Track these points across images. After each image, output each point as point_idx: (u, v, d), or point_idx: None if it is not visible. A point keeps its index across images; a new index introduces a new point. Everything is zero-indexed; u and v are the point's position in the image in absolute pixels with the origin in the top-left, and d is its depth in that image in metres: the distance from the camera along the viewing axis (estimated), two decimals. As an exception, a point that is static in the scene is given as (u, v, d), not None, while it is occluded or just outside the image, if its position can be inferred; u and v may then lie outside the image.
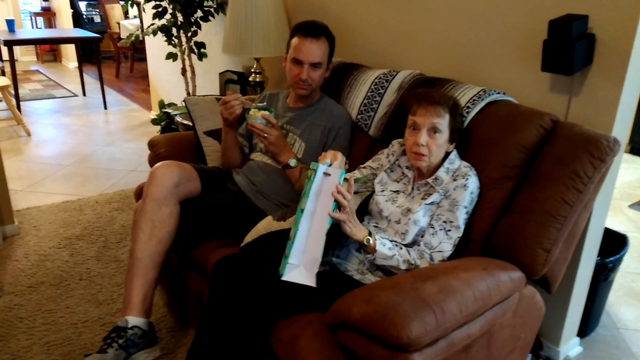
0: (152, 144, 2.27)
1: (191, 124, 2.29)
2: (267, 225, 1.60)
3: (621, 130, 1.60)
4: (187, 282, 1.85)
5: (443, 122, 1.48)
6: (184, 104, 2.85)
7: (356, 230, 1.41)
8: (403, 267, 1.44)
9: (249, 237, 1.62)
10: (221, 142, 2.06)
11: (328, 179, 1.33)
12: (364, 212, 1.65)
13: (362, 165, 1.74)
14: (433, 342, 1.16)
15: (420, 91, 1.58)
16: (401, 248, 1.45)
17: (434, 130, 1.48)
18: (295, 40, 1.89)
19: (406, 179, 1.61)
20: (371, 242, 1.42)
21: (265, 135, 1.79)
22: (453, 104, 1.52)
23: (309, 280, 1.37)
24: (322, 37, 1.88)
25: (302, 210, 1.35)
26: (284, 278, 1.36)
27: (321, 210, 1.35)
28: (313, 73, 1.89)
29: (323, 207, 1.35)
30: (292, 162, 1.85)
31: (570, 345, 1.90)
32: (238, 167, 2.06)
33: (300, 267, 1.36)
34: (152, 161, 2.21)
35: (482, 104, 1.65)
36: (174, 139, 2.32)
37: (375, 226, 1.57)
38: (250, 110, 1.81)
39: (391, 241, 1.50)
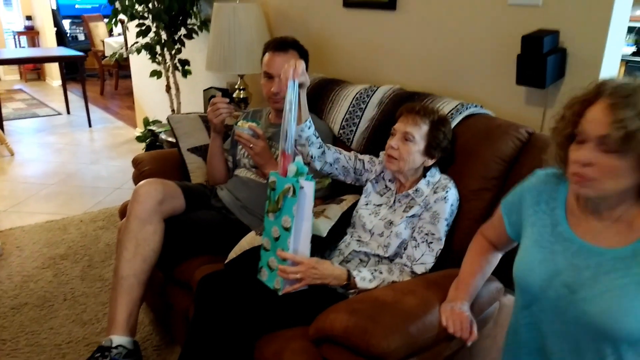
0: (136, 162, 2.27)
1: (175, 141, 2.31)
2: (250, 240, 1.61)
3: (595, 141, 1.65)
4: (172, 300, 1.85)
5: (417, 131, 1.51)
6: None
7: (327, 277, 1.39)
8: None
9: (233, 253, 1.63)
10: (207, 151, 2.08)
11: (302, 191, 1.35)
12: (346, 224, 1.67)
13: (359, 156, 1.73)
14: (414, 353, 1.18)
15: (408, 104, 1.62)
16: (381, 272, 1.44)
17: (405, 137, 1.52)
18: (265, 56, 1.96)
19: (389, 192, 1.63)
20: (351, 280, 1.41)
21: (251, 145, 1.82)
22: (437, 119, 1.54)
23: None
24: (289, 50, 1.93)
25: (289, 229, 1.35)
26: (283, 293, 1.37)
27: (306, 222, 1.38)
28: (284, 86, 1.92)
29: (303, 219, 1.37)
30: None
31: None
32: (223, 179, 2.08)
33: None
34: (137, 179, 2.21)
35: (460, 117, 1.68)
36: (158, 156, 2.32)
37: (358, 240, 1.59)
38: (238, 122, 1.86)
39: (374, 259, 1.52)
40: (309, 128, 1.59)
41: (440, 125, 1.54)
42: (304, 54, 1.98)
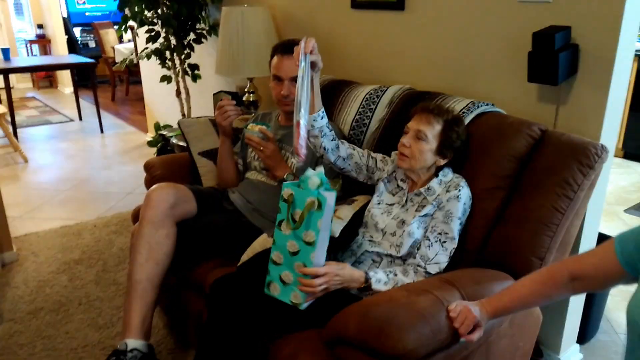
0: (148, 167, 2.29)
1: (186, 146, 2.32)
2: (262, 243, 1.61)
3: (609, 137, 1.63)
4: (186, 303, 1.86)
5: (430, 130, 1.51)
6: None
7: (348, 281, 1.37)
8: None
9: (246, 256, 1.63)
10: (217, 154, 2.08)
11: (326, 203, 1.31)
12: (358, 224, 1.66)
13: (372, 154, 1.73)
14: (430, 354, 1.17)
15: (424, 102, 1.62)
16: (395, 274, 1.43)
17: (418, 135, 1.51)
18: (274, 59, 1.95)
19: (401, 192, 1.63)
20: (369, 282, 1.40)
21: (262, 148, 1.83)
22: (451, 118, 1.54)
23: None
24: None
25: (312, 244, 1.30)
26: (304, 307, 1.34)
27: (327, 232, 1.35)
28: (293, 88, 1.93)
29: (326, 230, 1.34)
30: (289, 177, 1.87)
31: (570, 352, 1.91)
32: (234, 183, 2.08)
33: None
34: (149, 183, 2.23)
35: (472, 115, 1.67)
36: (169, 160, 2.34)
37: (370, 240, 1.58)
38: (248, 125, 1.86)
39: (387, 259, 1.51)
40: (322, 118, 1.59)
41: (454, 125, 1.53)
42: None
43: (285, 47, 1.93)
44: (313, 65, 1.48)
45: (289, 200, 1.32)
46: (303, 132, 1.40)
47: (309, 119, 1.52)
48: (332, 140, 1.64)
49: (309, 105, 1.47)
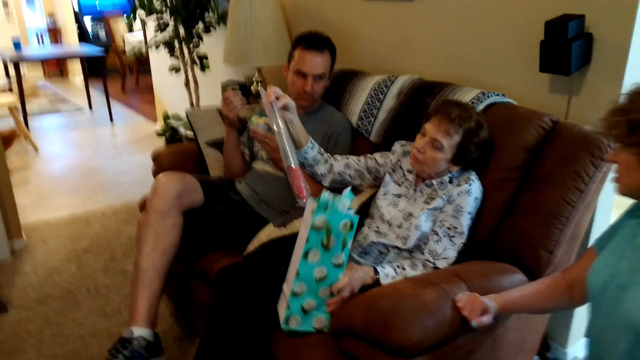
0: (155, 157, 2.29)
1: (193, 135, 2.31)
2: (268, 233, 1.60)
3: (622, 129, 1.60)
4: (193, 292, 1.86)
5: (448, 141, 1.45)
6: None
7: (363, 278, 1.35)
8: None
9: (252, 246, 1.63)
10: (223, 145, 2.07)
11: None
12: (364, 216, 1.65)
13: (369, 155, 1.72)
14: (435, 346, 1.16)
15: (448, 101, 1.56)
16: (404, 268, 1.40)
17: (434, 145, 1.46)
18: (299, 51, 1.90)
19: (407, 182, 1.61)
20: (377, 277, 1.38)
21: (267, 141, 1.81)
22: (473, 128, 1.45)
23: None
24: (325, 50, 1.90)
25: (341, 265, 1.29)
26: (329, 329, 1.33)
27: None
28: (316, 85, 1.91)
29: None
30: None
31: (578, 346, 1.88)
32: (240, 173, 2.07)
33: None
34: (156, 173, 2.22)
35: (482, 106, 1.64)
36: (177, 150, 2.34)
37: (376, 231, 1.57)
38: (253, 117, 1.83)
39: (394, 251, 1.50)
40: (312, 148, 1.62)
41: (474, 136, 1.46)
42: (334, 52, 1.96)
43: (311, 41, 1.89)
44: (286, 107, 1.48)
45: (323, 227, 1.24)
46: (299, 173, 1.41)
47: (300, 153, 1.55)
48: (325, 163, 1.67)
49: (297, 142, 1.53)
